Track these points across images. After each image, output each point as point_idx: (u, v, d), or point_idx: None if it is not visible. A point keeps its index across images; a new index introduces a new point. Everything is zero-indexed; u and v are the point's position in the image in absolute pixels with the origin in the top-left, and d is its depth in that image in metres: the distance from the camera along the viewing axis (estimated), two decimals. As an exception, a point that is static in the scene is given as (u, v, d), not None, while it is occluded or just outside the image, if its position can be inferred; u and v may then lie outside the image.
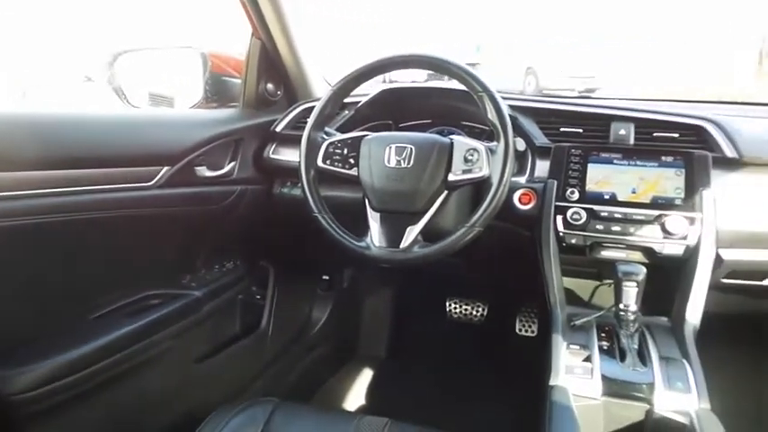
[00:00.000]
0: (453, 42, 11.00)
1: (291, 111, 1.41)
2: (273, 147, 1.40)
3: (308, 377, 1.74)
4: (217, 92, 1.45)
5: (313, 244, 1.39)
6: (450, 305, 1.94)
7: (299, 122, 1.38)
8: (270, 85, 1.43)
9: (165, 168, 1.16)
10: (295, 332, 1.73)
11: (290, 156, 1.36)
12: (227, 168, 1.31)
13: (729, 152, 1.09)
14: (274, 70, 1.42)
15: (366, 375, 1.82)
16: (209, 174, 1.26)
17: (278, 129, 1.40)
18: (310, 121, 1.14)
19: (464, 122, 1.35)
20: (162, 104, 1.63)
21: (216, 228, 1.36)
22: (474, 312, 1.92)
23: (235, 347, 1.46)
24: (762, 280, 1.13)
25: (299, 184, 1.13)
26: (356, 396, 1.74)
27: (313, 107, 1.15)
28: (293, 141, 1.27)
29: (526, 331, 1.78)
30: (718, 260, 1.07)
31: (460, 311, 1.93)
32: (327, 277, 1.82)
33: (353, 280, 1.89)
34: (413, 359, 1.93)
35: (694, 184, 1.07)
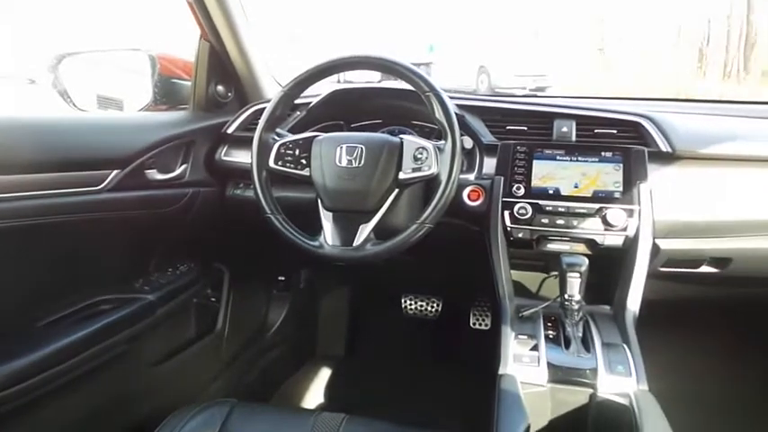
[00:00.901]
0: (406, 42, 11.07)
1: (243, 112, 1.41)
2: (225, 149, 1.40)
3: (267, 378, 1.73)
4: (166, 94, 1.43)
5: (267, 245, 1.39)
6: (405, 302, 1.97)
7: (250, 124, 1.38)
8: (220, 87, 1.42)
9: (115, 172, 1.14)
10: (252, 333, 1.72)
11: (242, 157, 1.36)
12: (178, 171, 1.30)
13: (663, 147, 1.15)
14: (224, 72, 1.42)
15: (324, 374, 1.83)
16: (160, 177, 1.25)
17: (229, 130, 1.39)
18: (261, 122, 1.14)
19: (414, 122, 1.38)
20: (111, 107, 1.59)
21: (168, 231, 1.35)
22: (429, 308, 1.95)
23: (191, 350, 1.45)
24: (696, 267, 1.20)
25: (252, 186, 1.13)
26: (315, 394, 1.75)
27: (264, 108, 1.15)
28: (245, 143, 1.27)
29: (480, 325, 1.83)
30: (656, 249, 1.13)
31: (416, 308, 1.96)
32: (283, 278, 1.82)
33: (310, 280, 1.90)
34: (370, 356, 1.95)
35: (632, 177, 1.12)
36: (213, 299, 1.56)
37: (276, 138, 1.15)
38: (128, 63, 1.51)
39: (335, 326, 2.00)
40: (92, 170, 1.11)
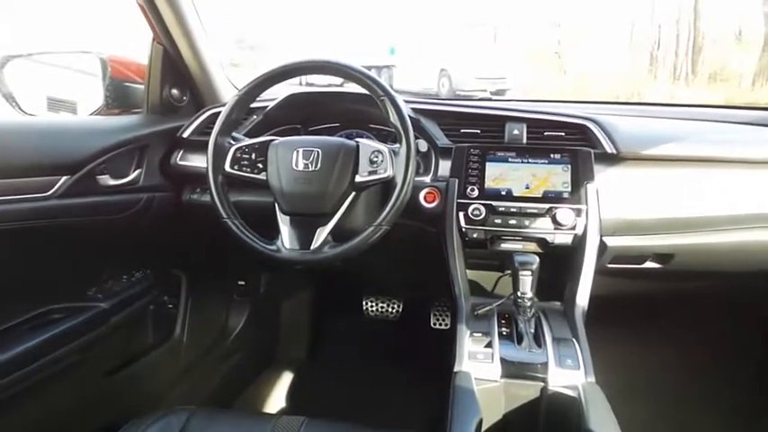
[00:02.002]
0: (367, 45, 11.10)
1: (198, 116, 1.39)
2: (181, 153, 1.38)
3: (227, 384, 1.72)
4: (118, 98, 1.41)
5: (226, 250, 1.39)
6: (366, 304, 1.98)
7: (206, 128, 1.37)
8: (175, 91, 1.40)
9: (64, 178, 1.12)
10: (211, 339, 1.70)
11: (198, 162, 1.35)
12: (132, 176, 1.28)
13: (608, 148, 1.20)
14: (179, 75, 1.40)
15: (286, 378, 1.83)
16: (112, 182, 1.23)
17: (185, 134, 1.38)
18: (216, 126, 1.14)
19: (372, 125, 1.39)
20: (63, 110, 1.55)
21: (123, 237, 1.32)
22: (390, 309, 1.97)
23: (148, 358, 1.43)
24: (641, 263, 1.26)
25: (208, 191, 1.13)
26: (277, 399, 1.74)
27: (220, 112, 1.15)
28: (201, 147, 1.26)
29: (440, 324, 1.85)
30: (603, 247, 1.18)
31: (377, 309, 1.97)
32: (243, 283, 1.81)
33: (270, 284, 1.89)
34: (332, 359, 1.95)
35: (579, 178, 1.17)
36: (171, 305, 1.54)
37: (232, 142, 1.15)
38: (78, 66, 1.47)
39: (297, 329, 1.99)
40: (39, 176, 1.08)
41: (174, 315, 1.54)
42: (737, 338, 1.71)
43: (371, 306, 1.98)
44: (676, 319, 1.69)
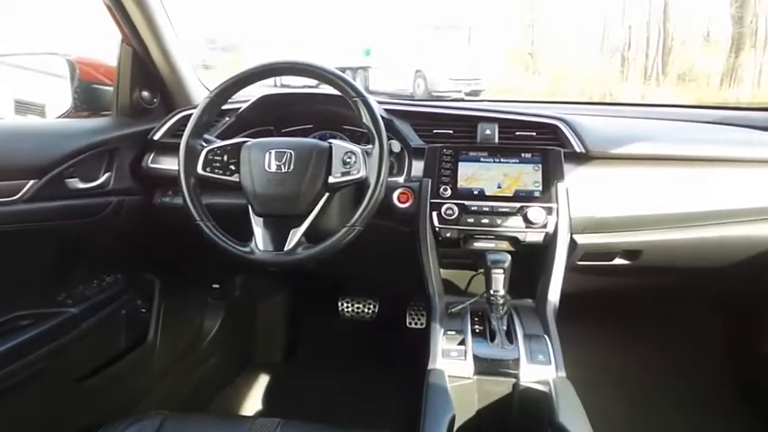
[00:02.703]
0: (343, 46, 11.09)
1: (170, 118, 1.38)
2: (152, 156, 1.37)
3: (203, 388, 1.70)
4: (87, 100, 1.39)
5: (199, 252, 1.38)
6: (342, 305, 1.98)
7: (178, 130, 1.35)
8: (145, 93, 1.39)
9: (32, 182, 1.10)
10: (186, 343, 1.69)
11: (170, 164, 1.33)
12: (101, 179, 1.26)
13: (578, 148, 1.22)
14: (149, 77, 1.38)
15: (263, 381, 1.82)
16: (81, 186, 1.21)
17: (156, 137, 1.36)
18: (188, 128, 1.13)
19: (345, 126, 1.40)
20: (31, 113, 1.52)
21: (93, 241, 1.30)
22: (366, 310, 1.97)
23: (120, 363, 1.41)
24: (610, 260, 1.29)
25: (180, 193, 1.12)
26: (253, 402, 1.73)
27: (191, 114, 1.14)
28: (173, 149, 1.25)
29: (416, 324, 1.86)
30: (573, 244, 1.20)
31: (353, 310, 1.98)
32: (218, 286, 1.80)
33: (245, 287, 1.88)
34: (308, 360, 1.95)
35: (550, 177, 1.19)
36: (143, 310, 1.52)
37: (204, 144, 1.14)
38: (45, 68, 1.44)
39: (273, 332, 1.98)
40: (6, 180, 1.06)
41: (147, 319, 1.52)
42: (705, 333, 1.76)
43: (347, 307, 1.98)
44: (645, 314, 1.73)
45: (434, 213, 1.19)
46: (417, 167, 1.26)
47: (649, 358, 1.74)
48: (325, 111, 1.37)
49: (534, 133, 1.27)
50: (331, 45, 11.11)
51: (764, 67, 9.75)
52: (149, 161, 1.36)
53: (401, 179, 1.27)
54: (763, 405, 1.60)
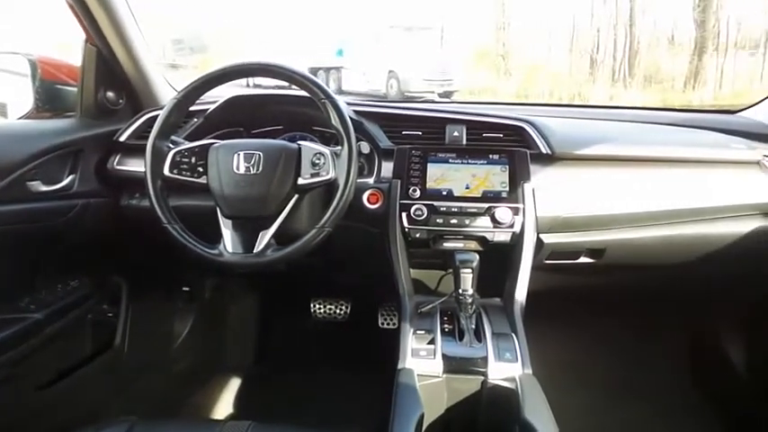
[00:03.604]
0: (315, 46, 11.03)
1: (136, 120, 1.36)
2: (118, 157, 1.35)
3: (173, 393, 1.68)
4: (50, 101, 1.36)
5: (168, 255, 1.36)
6: (314, 306, 1.97)
7: (144, 131, 1.33)
8: (110, 94, 1.36)
9: None
10: (155, 347, 1.66)
11: (136, 166, 1.31)
12: (65, 182, 1.23)
13: (543, 149, 1.25)
14: (114, 78, 1.36)
15: (234, 384, 1.80)
16: (44, 188, 1.18)
17: (122, 138, 1.34)
18: (154, 130, 1.11)
19: (315, 128, 1.39)
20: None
21: (56, 245, 1.27)
22: (338, 311, 1.97)
23: (86, 369, 1.38)
24: (576, 258, 1.32)
25: (147, 195, 1.11)
26: (224, 405, 1.72)
27: (159, 115, 1.13)
28: (139, 151, 1.23)
29: (388, 324, 1.87)
30: (540, 244, 1.23)
31: (325, 311, 1.97)
32: (188, 288, 1.77)
33: (216, 290, 1.86)
34: (281, 363, 1.93)
35: (517, 178, 1.21)
36: (110, 314, 1.49)
37: (171, 145, 1.13)
38: (5, 67, 1.41)
39: (245, 334, 1.96)
40: None
41: (115, 323, 1.49)
42: (668, 330, 1.81)
43: (319, 308, 1.98)
44: (610, 312, 1.77)
45: (404, 214, 1.20)
46: (387, 168, 1.27)
47: (614, 355, 1.78)
48: (295, 112, 1.37)
49: (501, 135, 1.29)
50: (303, 45, 11.06)
51: (726, 70, 10.08)
52: (115, 163, 1.34)
53: (371, 180, 1.28)
54: (722, 401, 1.66)
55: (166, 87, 1.47)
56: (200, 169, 1.11)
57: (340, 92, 10.46)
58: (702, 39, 10.35)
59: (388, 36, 9.98)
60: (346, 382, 1.75)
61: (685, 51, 10.76)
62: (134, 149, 1.32)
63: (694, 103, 9.11)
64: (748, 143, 1.34)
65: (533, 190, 1.20)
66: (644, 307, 1.79)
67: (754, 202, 1.28)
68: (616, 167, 1.28)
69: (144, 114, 1.37)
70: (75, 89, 1.37)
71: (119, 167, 1.34)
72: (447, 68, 9.63)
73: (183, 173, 1.11)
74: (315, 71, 11.10)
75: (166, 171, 1.11)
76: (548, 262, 1.29)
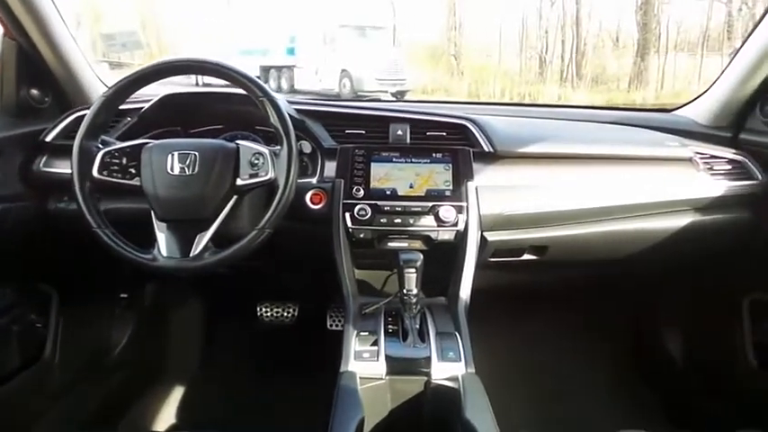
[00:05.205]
0: (266, 44, 10.85)
1: (64, 119, 1.29)
2: (45, 158, 1.28)
3: (111, 404, 1.59)
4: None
5: (102, 261, 1.30)
6: (261, 310, 1.93)
7: (73, 131, 1.25)
8: (34, 91, 1.28)
9: None
10: (90, 358, 1.58)
11: (65, 168, 1.24)
12: None
13: (486, 147, 1.26)
14: (38, 74, 1.29)
15: (177, 393, 1.73)
16: None
17: (48, 138, 1.27)
18: (81, 129, 1.07)
19: (258, 127, 1.36)
20: None
21: None
22: (285, 314, 1.93)
23: (12, 383, 1.29)
24: (519, 256, 1.33)
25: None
26: (166, 416, 1.65)
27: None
28: (68, 152, 1.16)
29: (336, 326, 1.84)
30: (484, 241, 1.23)
31: (272, 314, 1.93)
32: (125, 295, 1.70)
33: (157, 295, 1.79)
34: (226, 369, 1.88)
35: (460, 176, 1.21)
36: (38, 324, 1.41)
37: (100, 146, 1.08)
38: None
39: (188, 341, 1.90)
40: None
41: (44, 334, 1.41)
42: (610, 324, 1.86)
43: (266, 312, 1.93)
44: (555, 307, 1.80)
45: (347, 214, 1.18)
46: (330, 168, 1.25)
47: (558, 351, 1.81)
48: (236, 111, 1.33)
49: (445, 133, 1.29)
50: (254, 43, 10.86)
51: (667, 70, 10.54)
52: (41, 164, 1.27)
53: (314, 180, 1.25)
54: (663, 393, 1.71)
55: (98, 85, 1.40)
56: (133, 170, 1.07)
57: (293, 91, 10.35)
58: (645, 40, 10.78)
59: (340, 35, 9.93)
60: (294, 386, 1.71)
61: (629, 53, 11.18)
62: (62, 150, 1.25)
63: (637, 103, 9.48)
64: (681, 140, 1.38)
65: (477, 188, 1.21)
66: (587, 303, 1.83)
67: (686, 198, 1.32)
68: (557, 165, 1.30)
69: (73, 113, 1.30)
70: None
71: (45, 169, 1.27)
72: (400, 68, 9.68)
73: (114, 174, 1.07)
74: (267, 69, 10.95)
75: (95, 173, 1.06)
76: (492, 260, 1.29)
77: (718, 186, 1.31)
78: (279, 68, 10.58)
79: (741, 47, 1.32)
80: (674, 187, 1.31)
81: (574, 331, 1.83)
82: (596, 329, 1.85)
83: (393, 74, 9.43)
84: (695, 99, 1.52)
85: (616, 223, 1.31)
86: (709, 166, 1.34)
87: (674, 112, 1.59)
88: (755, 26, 1.27)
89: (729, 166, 1.35)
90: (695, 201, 1.32)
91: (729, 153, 1.37)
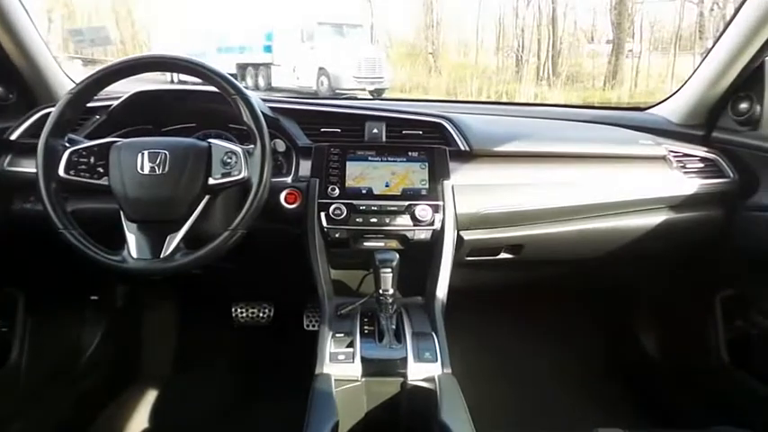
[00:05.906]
0: (242, 41, 10.72)
1: (29, 116, 1.25)
2: (9, 158, 1.23)
3: (82, 409, 1.55)
4: None
5: (71, 263, 1.26)
6: (236, 311, 1.90)
7: (39, 129, 1.22)
8: None
9: None
10: (59, 363, 1.53)
11: (31, 167, 1.19)
12: None
13: (462, 146, 1.25)
14: (3, 71, 1.25)
15: (150, 397, 1.69)
16: None
17: (12, 137, 1.23)
18: (46, 127, 1.03)
19: (231, 125, 1.33)
20: None
21: None
22: (261, 315, 1.91)
23: None
24: (496, 255, 1.33)
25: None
26: (138, 421, 1.61)
27: None
28: (34, 151, 1.13)
29: (313, 326, 1.82)
30: (460, 240, 1.23)
31: (247, 315, 1.90)
32: (96, 297, 1.65)
33: (129, 297, 1.74)
34: (201, 371, 1.85)
35: (436, 175, 1.21)
36: (4, 328, 1.36)
37: (67, 144, 1.05)
38: None
39: (162, 343, 1.86)
40: None
41: (9, 338, 1.37)
42: (586, 322, 1.88)
43: (241, 313, 1.90)
44: (531, 306, 1.81)
45: (323, 214, 1.17)
46: (305, 167, 1.24)
47: (534, 348, 1.83)
48: (208, 109, 1.30)
49: (421, 132, 1.28)
50: (231, 41, 10.73)
51: (641, 69, 10.72)
52: (6, 164, 1.23)
53: (288, 179, 1.24)
54: (638, 389, 1.73)
55: (66, 81, 1.36)
56: (101, 170, 1.04)
57: (270, 88, 10.25)
58: (619, 40, 10.95)
59: (317, 33, 9.86)
60: (269, 388, 1.69)
61: (604, 52, 11.34)
62: (27, 149, 1.21)
63: (613, 101, 9.61)
64: (655, 139, 1.40)
65: (453, 187, 1.20)
66: (563, 301, 1.84)
67: (660, 196, 1.34)
68: (533, 164, 1.30)
69: (39, 111, 1.26)
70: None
71: (9, 168, 1.23)
72: (378, 66, 9.65)
73: (81, 174, 1.03)
74: (244, 67, 10.83)
75: (62, 172, 1.03)
76: (468, 259, 1.29)
77: (691, 184, 1.33)
78: (256, 66, 10.46)
79: (712, 47, 1.34)
80: (647, 185, 1.33)
81: (550, 330, 1.84)
82: (572, 327, 1.86)
83: (371, 72, 9.40)
84: (668, 98, 1.54)
85: (591, 222, 1.32)
86: (682, 165, 1.35)
87: (647, 111, 1.61)
88: (726, 26, 1.29)
89: (702, 165, 1.37)
90: (669, 199, 1.34)
91: (702, 151, 1.39)
